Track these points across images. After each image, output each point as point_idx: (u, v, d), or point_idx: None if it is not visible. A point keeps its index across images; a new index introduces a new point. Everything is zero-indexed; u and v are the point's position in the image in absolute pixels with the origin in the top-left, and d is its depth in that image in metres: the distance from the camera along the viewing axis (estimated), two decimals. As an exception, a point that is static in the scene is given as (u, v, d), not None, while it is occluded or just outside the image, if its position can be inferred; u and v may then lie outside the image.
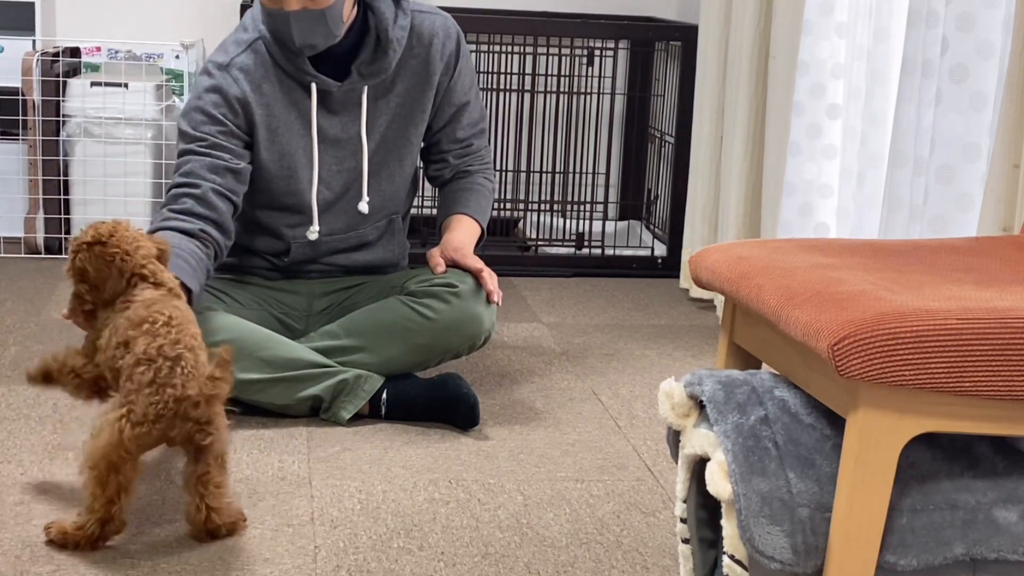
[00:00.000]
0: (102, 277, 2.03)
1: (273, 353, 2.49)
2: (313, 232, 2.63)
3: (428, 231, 3.99)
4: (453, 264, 2.61)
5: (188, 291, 2.28)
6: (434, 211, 4.09)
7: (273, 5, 2.48)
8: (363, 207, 2.66)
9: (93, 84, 3.79)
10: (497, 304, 2.59)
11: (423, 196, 3.94)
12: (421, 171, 2.89)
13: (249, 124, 2.55)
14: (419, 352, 2.58)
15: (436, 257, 2.61)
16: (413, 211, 2.93)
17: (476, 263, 2.59)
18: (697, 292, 3.63)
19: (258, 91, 2.55)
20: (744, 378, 1.62)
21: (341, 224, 2.67)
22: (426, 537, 2.05)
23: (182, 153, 2.52)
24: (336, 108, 2.60)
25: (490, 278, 2.58)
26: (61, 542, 1.93)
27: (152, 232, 2.38)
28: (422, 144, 2.77)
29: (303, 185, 2.61)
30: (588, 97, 4.09)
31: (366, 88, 2.60)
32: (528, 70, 3.99)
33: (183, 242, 2.37)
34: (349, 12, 2.53)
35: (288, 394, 2.51)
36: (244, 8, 3.74)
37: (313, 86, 2.56)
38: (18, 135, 3.88)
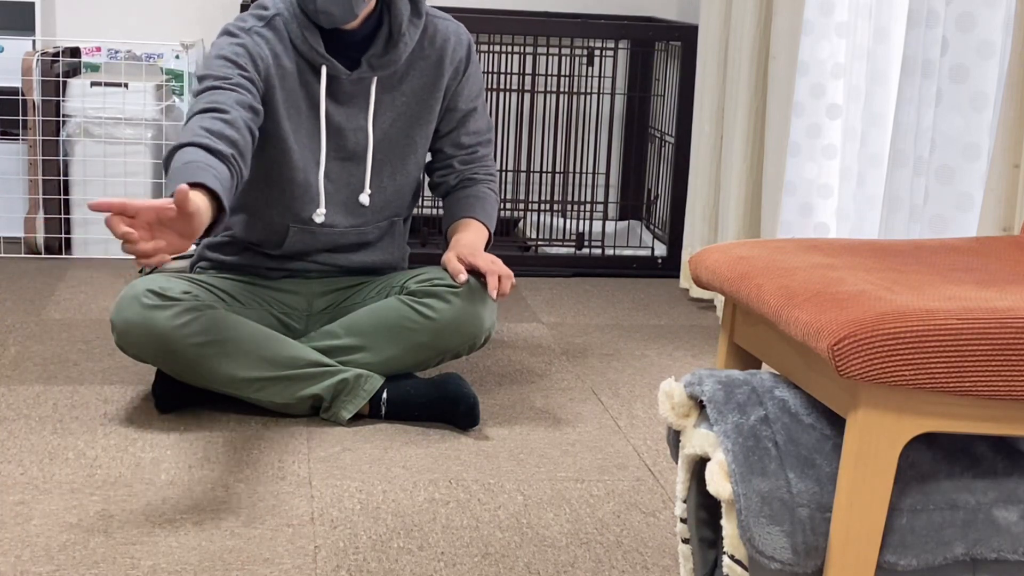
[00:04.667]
0: None
1: (274, 352, 2.50)
2: (320, 215, 2.63)
3: (428, 231, 3.99)
4: (469, 266, 2.57)
5: (221, 211, 2.22)
6: (435, 211, 4.10)
7: None
8: (364, 199, 2.66)
9: (93, 84, 3.79)
10: (494, 300, 2.57)
11: (424, 195, 3.94)
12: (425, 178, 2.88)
13: (267, 87, 2.55)
14: (419, 351, 2.58)
15: (454, 263, 2.56)
16: (413, 211, 2.93)
17: (487, 266, 2.55)
18: (697, 292, 3.63)
19: (277, 60, 2.56)
20: (744, 378, 1.62)
21: (341, 216, 2.67)
22: (426, 537, 2.06)
23: (203, 90, 2.47)
24: (343, 98, 2.61)
25: (502, 280, 2.53)
26: None
27: (182, 146, 2.30)
28: (428, 154, 2.77)
29: (309, 164, 2.61)
30: (588, 97, 4.09)
31: (375, 81, 2.61)
32: (528, 70, 3.99)
33: (216, 163, 2.29)
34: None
35: (288, 393, 2.51)
36: (244, 8, 3.74)
37: (323, 69, 2.57)
38: (18, 135, 3.88)
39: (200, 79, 2.50)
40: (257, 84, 2.52)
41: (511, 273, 2.55)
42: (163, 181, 3.86)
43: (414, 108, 2.68)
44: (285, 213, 2.64)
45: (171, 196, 2.15)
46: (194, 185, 2.18)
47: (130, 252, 1.99)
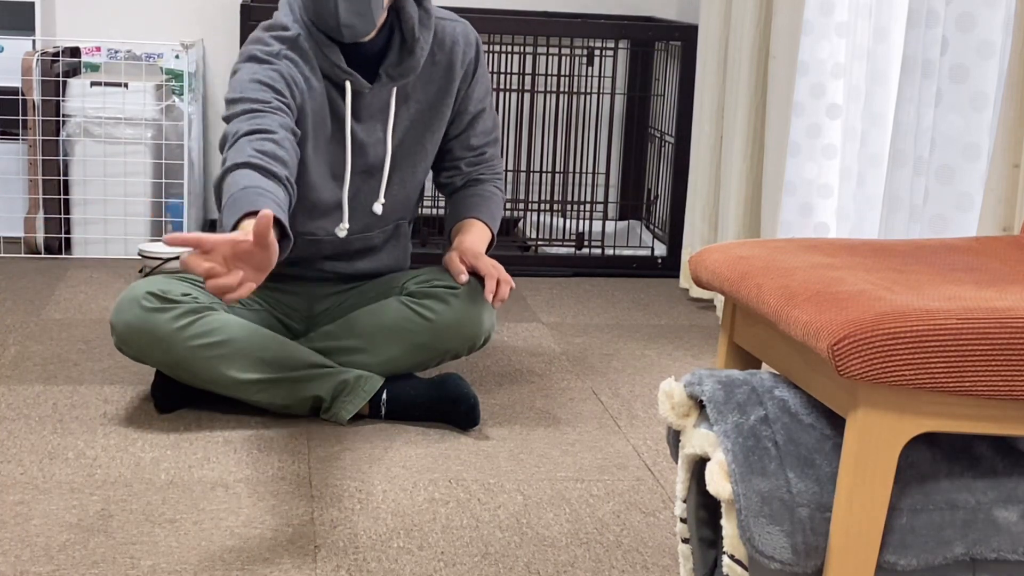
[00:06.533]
0: None
1: (273, 354, 2.49)
2: (343, 229, 2.60)
3: (428, 231, 3.99)
4: (470, 268, 2.57)
5: (283, 237, 2.13)
6: (434, 211, 4.10)
7: None
8: (377, 208, 2.64)
9: (93, 84, 3.79)
10: (491, 305, 2.56)
11: (424, 195, 3.93)
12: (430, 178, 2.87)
13: (300, 111, 2.50)
14: (419, 352, 2.58)
15: (458, 264, 2.56)
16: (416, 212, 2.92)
17: (488, 270, 2.55)
18: (697, 292, 3.63)
19: (307, 83, 2.51)
20: (744, 378, 1.62)
21: (352, 224, 2.65)
22: (426, 537, 2.06)
23: (241, 112, 2.37)
24: (362, 111, 2.57)
25: (500, 285, 2.53)
26: None
27: (236, 167, 2.22)
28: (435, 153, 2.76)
29: (325, 182, 2.58)
30: (588, 97, 4.09)
31: (394, 91, 2.58)
32: (528, 70, 3.99)
33: (272, 186, 2.22)
34: (386, 7, 2.51)
35: (289, 394, 2.51)
36: (244, 8, 3.73)
37: (347, 85, 2.53)
38: (18, 135, 3.88)
39: (233, 102, 2.41)
40: (293, 110, 2.45)
41: (511, 280, 2.54)
42: (162, 181, 3.86)
43: (426, 114, 2.65)
44: (294, 226, 2.60)
45: (234, 227, 2.08)
46: (255, 213, 2.08)
47: (214, 289, 1.88)
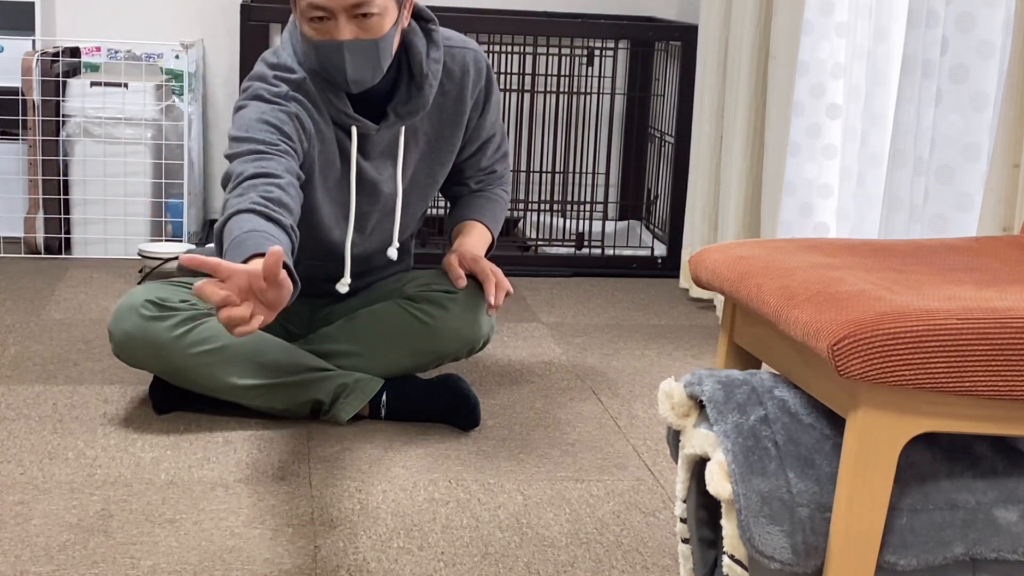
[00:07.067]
0: None
1: (272, 358, 2.49)
2: (344, 285, 2.55)
3: (428, 231, 4.00)
4: (469, 273, 2.56)
5: (294, 282, 2.03)
6: (435, 211, 4.10)
7: (322, 37, 2.37)
8: (392, 253, 2.60)
9: (93, 84, 3.79)
10: (488, 309, 2.55)
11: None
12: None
13: (308, 154, 2.45)
14: (417, 356, 2.57)
15: (457, 268, 2.54)
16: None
17: (486, 273, 2.54)
18: (697, 292, 3.63)
19: (316, 127, 2.46)
20: (744, 378, 1.62)
21: (355, 266, 2.63)
22: (426, 537, 2.06)
23: (246, 153, 2.31)
24: (370, 150, 2.52)
25: (498, 289, 2.52)
26: None
27: (240, 212, 2.15)
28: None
29: (343, 223, 2.54)
30: (588, 97, 4.09)
31: (403, 130, 2.53)
32: (528, 70, 4.00)
33: (277, 232, 2.16)
34: (393, 52, 2.45)
35: (288, 398, 2.50)
36: (244, 8, 3.73)
37: (354, 129, 2.47)
38: (18, 135, 3.88)
39: (238, 140, 2.34)
40: (299, 153, 2.39)
41: (508, 284, 2.54)
42: (162, 181, 3.86)
43: (434, 145, 2.60)
44: (301, 255, 2.55)
45: (244, 262, 2.00)
46: (260, 256, 2.02)
47: (227, 320, 1.80)
